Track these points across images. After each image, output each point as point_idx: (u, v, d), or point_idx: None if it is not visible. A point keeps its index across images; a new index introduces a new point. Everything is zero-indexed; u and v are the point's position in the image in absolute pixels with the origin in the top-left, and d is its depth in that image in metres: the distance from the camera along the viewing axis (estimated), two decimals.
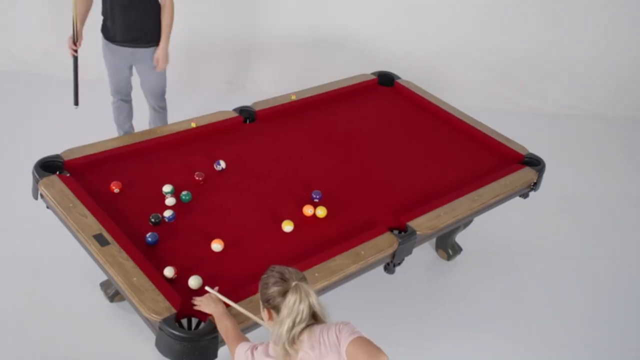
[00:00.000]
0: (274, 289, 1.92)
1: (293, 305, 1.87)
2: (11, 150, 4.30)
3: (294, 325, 1.88)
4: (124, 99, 3.88)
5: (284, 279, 1.92)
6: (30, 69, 5.29)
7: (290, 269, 1.98)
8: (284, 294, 1.90)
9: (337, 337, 1.93)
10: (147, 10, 3.64)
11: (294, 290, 1.88)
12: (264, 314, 2.02)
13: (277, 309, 1.92)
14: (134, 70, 3.86)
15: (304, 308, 1.88)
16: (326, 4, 5.45)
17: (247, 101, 3.69)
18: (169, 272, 2.44)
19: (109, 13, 3.54)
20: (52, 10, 5.23)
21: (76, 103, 3.58)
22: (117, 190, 2.85)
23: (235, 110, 3.57)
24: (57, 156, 2.95)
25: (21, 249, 3.49)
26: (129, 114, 3.96)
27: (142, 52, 3.72)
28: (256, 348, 2.01)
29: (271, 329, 1.95)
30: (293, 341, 1.88)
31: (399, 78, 4.17)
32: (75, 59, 3.52)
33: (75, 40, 3.41)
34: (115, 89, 3.82)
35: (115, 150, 3.10)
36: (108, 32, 3.66)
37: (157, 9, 3.67)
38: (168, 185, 2.89)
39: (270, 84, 5.41)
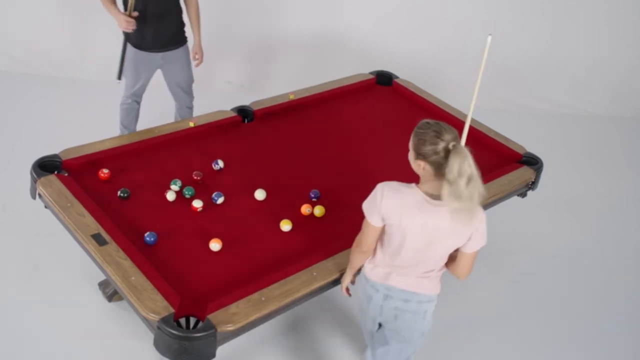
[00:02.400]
0: (430, 147, 2.08)
1: (460, 167, 2.01)
2: (10, 150, 4.30)
3: (468, 181, 2.02)
4: (137, 101, 3.92)
5: (442, 138, 2.07)
6: (29, 69, 5.30)
7: (445, 125, 2.11)
8: (444, 153, 2.06)
9: (475, 233, 2.19)
10: (176, 14, 3.72)
11: (455, 153, 2.04)
12: (417, 164, 2.16)
13: (435, 166, 2.09)
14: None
15: (467, 167, 2.02)
16: (325, 4, 5.46)
17: (245, 101, 3.69)
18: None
19: (140, 23, 3.52)
20: (52, 10, 5.24)
21: (119, 77, 3.64)
22: (105, 171, 2.89)
23: (233, 109, 3.57)
24: (55, 156, 2.96)
25: (19, 248, 3.49)
26: (137, 115, 4.02)
27: (172, 53, 3.78)
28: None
29: (445, 185, 2.06)
30: (472, 196, 2.05)
31: (397, 77, 4.18)
32: (126, 35, 3.51)
33: (129, 13, 3.41)
34: (135, 92, 3.84)
35: (113, 150, 3.10)
36: (139, 41, 3.66)
37: (180, 10, 3.76)
38: (177, 180, 2.93)
39: (269, 83, 5.42)
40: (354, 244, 2.35)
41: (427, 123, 2.15)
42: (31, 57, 5.33)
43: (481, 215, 2.17)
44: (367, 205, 2.25)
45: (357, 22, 5.53)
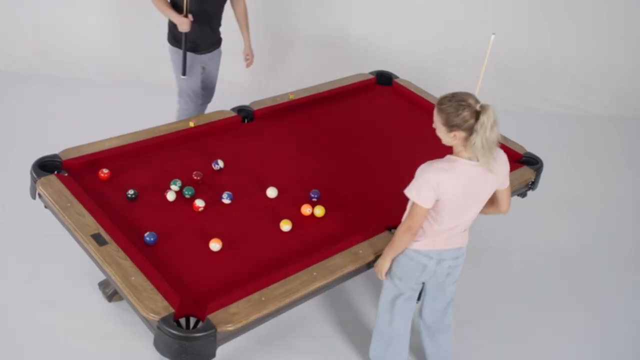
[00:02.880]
0: (461, 116, 2.28)
1: (488, 121, 2.26)
2: (10, 150, 4.30)
3: (492, 128, 2.27)
4: (195, 101, 3.98)
5: (467, 104, 2.29)
6: (29, 69, 5.30)
7: (461, 93, 2.33)
8: (476, 116, 2.27)
9: (505, 169, 2.49)
10: (221, 14, 3.82)
11: (484, 111, 2.27)
12: (449, 136, 2.35)
13: (469, 130, 2.29)
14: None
15: (493, 122, 2.27)
16: (324, 3, 5.46)
17: (245, 101, 3.69)
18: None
19: (193, 27, 3.61)
20: (51, 10, 5.24)
21: (184, 74, 3.73)
22: (105, 171, 2.90)
23: (233, 109, 3.57)
24: (55, 156, 2.96)
25: (19, 248, 3.49)
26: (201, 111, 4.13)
27: (215, 52, 3.90)
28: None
29: (471, 143, 2.30)
30: (498, 139, 2.32)
31: (397, 77, 4.18)
32: (185, 34, 3.61)
33: (186, 15, 3.53)
34: (193, 90, 3.89)
35: (113, 149, 3.10)
36: (191, 44, 3.71)
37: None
38: (177, 180, 2.94)
39: (268, 83, 5.42)
40: (403, 230, 2.47)
41: (447, 98, 2.34)
42: (31, 57, 5.33)
43: (501, 151, 2.47)
44: (416, 192, 2.39)
45: (357, 22, 5.53)
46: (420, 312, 2.91)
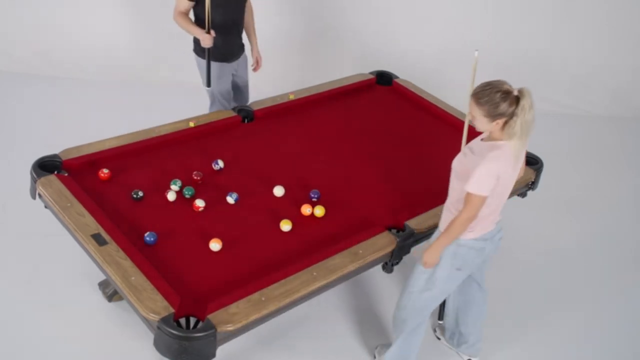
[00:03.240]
0: (504, 104, 2.34)
1: (527, 104, 2.33)
2: (10, 150, 4.30)
3: (532, 115, 2.36)
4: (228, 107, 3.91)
5: (506, 92, 2.35)
6: (29, 69, 5.30)
7: (496, 82, 2.40)
8: (515, 101, 2.34)
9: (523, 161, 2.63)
10: (243, 21, 3.79)
11: (523, 96, 2.34)
12: (492, 125, 2.40)
13: (509, 115, 2.36)
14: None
15: (530, 105, 2.35)
16: (324, 3, 5.45)
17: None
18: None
19: (221, 37, 3.57)
20: (51, 10, 5.24)
21: (209, 85, 3.68)
22: (105, 171, 2.91)
23: (233, 109, 3.58)
24: (55, 156, 2.96)
25: (19, 248, 3.49)
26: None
27: (242, 57, 3.87)
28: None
29: (510, 130, 2.38)
30: (530, 128, 2.39)
31: (397, 77, 4.18)
32: (209, 48, 3.57)
33: (208, 31, 3.49)
34: (224, 96, 3.84)
35: (113, 150, 3.10)
36: (221, 55, 3.66)
37: None
38: (177, 180, 2.94)
39: (269, 83, 5.41)
40: (461, 221, 2.49)
41: (484, 90, 2.38)
42: (31, 57, 5.33)
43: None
44: (477, 185, 2.41)
45: (357, 22, 5.52)
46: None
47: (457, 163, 2.57)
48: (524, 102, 2.34)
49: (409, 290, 2.79)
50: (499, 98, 2.35)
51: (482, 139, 2.55)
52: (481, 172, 2.40)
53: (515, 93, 2.36)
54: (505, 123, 2.39)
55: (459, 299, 3.04)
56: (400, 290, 3.56)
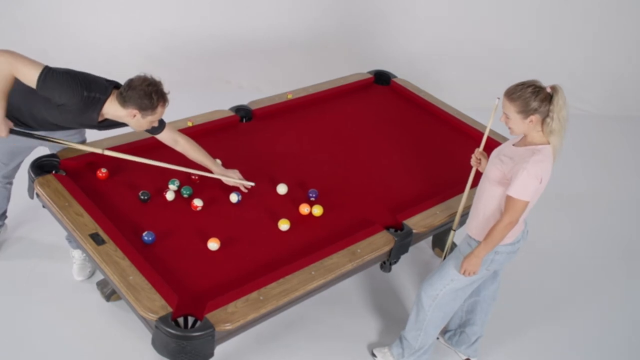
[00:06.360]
0: (537, 100, 2.38)
1: (561, 100, 2.37)
2: None
3: (566, 111, 2.40)
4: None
5: (539, 87, 2.39)
6: None
7: (529, 81, 2.44)
8: (549, 98, 2.38)
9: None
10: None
11: (556, 92, 2.38)
12: (525, 123, 2.42)
13: (545, 112, 2.39)
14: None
15: (564, 101, 2.39)
16: (323, 3, 5.46)
17: (243, 100, 3.69)
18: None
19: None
20: (51, 10, 5.23)
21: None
22: (104, 171, 2.90)
23: (231, 109, 3.57)
24: (53, 155, 2.96)
25: (17, 248, 3.49)
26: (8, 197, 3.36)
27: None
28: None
29: (546, 127, 2.43)
30: (565, 126, 2.42)
31: (395, 77, 4.18)
32: None
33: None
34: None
35: (112, 149, 3.09)
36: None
37: None
38: (175, 180, 2.93)
39: (267, 83, 5.41)
40: (504, 226, 2.50)
41: (517, 87, 2.42)
42: (30, 56, 5.31)
43: None
44: (522, 189, 2.41)
45: (355, 22, 5.53)
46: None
47: (495, 170, 2.53)
48: (557, 99, 2.36)
49: (443, 282, 2.78)
50: (530, 93, 2.37)
51: (513, 145, 2.55)
52: (525, 177, 2.40)
53: (548, 90, 2.38)
54: (543, 122, 2.41)
55: (469, 300, 3.04)
56: (400, 290, 3.57)
